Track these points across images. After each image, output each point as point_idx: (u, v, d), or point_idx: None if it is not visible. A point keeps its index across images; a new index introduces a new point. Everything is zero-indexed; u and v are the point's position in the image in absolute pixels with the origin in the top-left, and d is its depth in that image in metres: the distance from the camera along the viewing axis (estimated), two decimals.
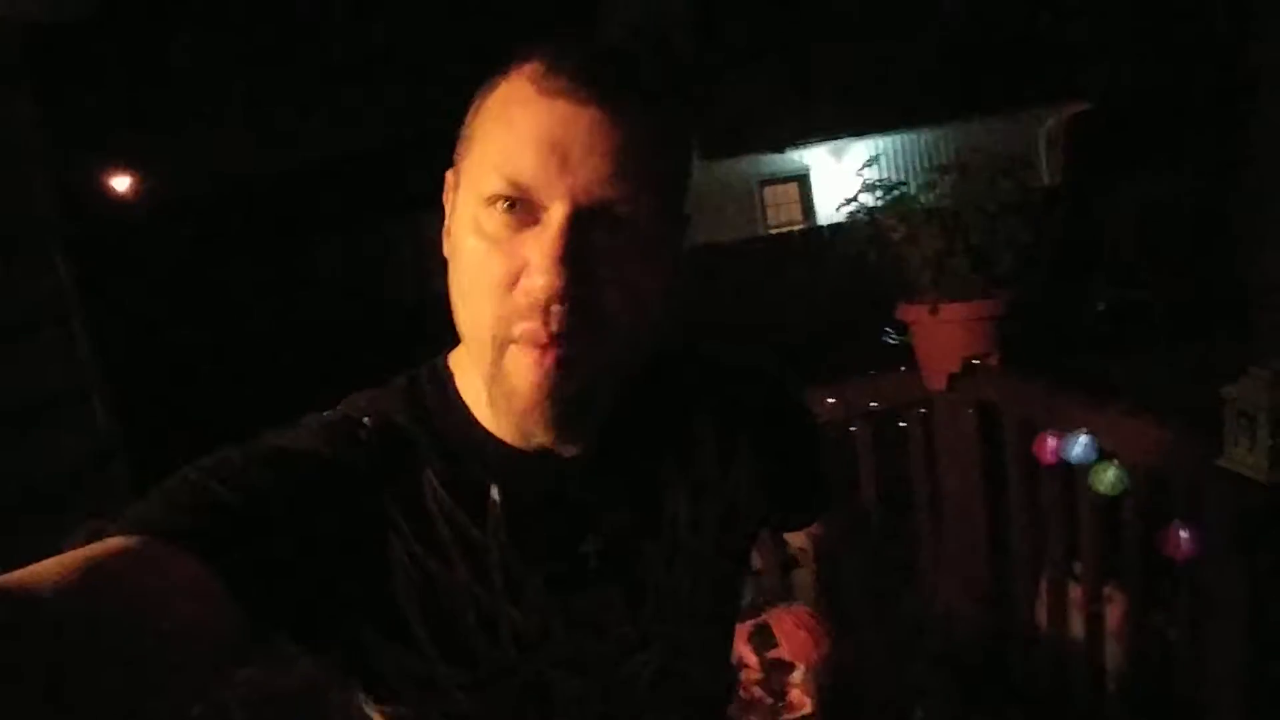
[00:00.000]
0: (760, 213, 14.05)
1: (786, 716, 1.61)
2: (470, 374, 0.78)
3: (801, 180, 14.10)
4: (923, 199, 2.38)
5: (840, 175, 13.45)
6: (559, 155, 0.66)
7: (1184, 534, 1.75)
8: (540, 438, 0.73)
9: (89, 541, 0.61)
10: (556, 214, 0.66)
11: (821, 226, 12.63)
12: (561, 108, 0.67)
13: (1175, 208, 8.53)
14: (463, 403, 0.79)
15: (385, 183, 11.42)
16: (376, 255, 11.66)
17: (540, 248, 0.66)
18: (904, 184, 2.42)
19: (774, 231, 13.64)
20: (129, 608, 0.56)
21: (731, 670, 0.96)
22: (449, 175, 0.77)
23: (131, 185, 10.83)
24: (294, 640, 0.71)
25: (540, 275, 0.66)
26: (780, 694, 1.61)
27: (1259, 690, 1.64)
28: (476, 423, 0.78)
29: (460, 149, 0.74)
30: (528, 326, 0.67)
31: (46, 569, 0.55)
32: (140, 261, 9.89)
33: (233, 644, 0.62)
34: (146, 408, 5.57)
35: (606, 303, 0.68)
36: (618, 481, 0.82)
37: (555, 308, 0.66)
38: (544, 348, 0.68)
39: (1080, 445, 2.00)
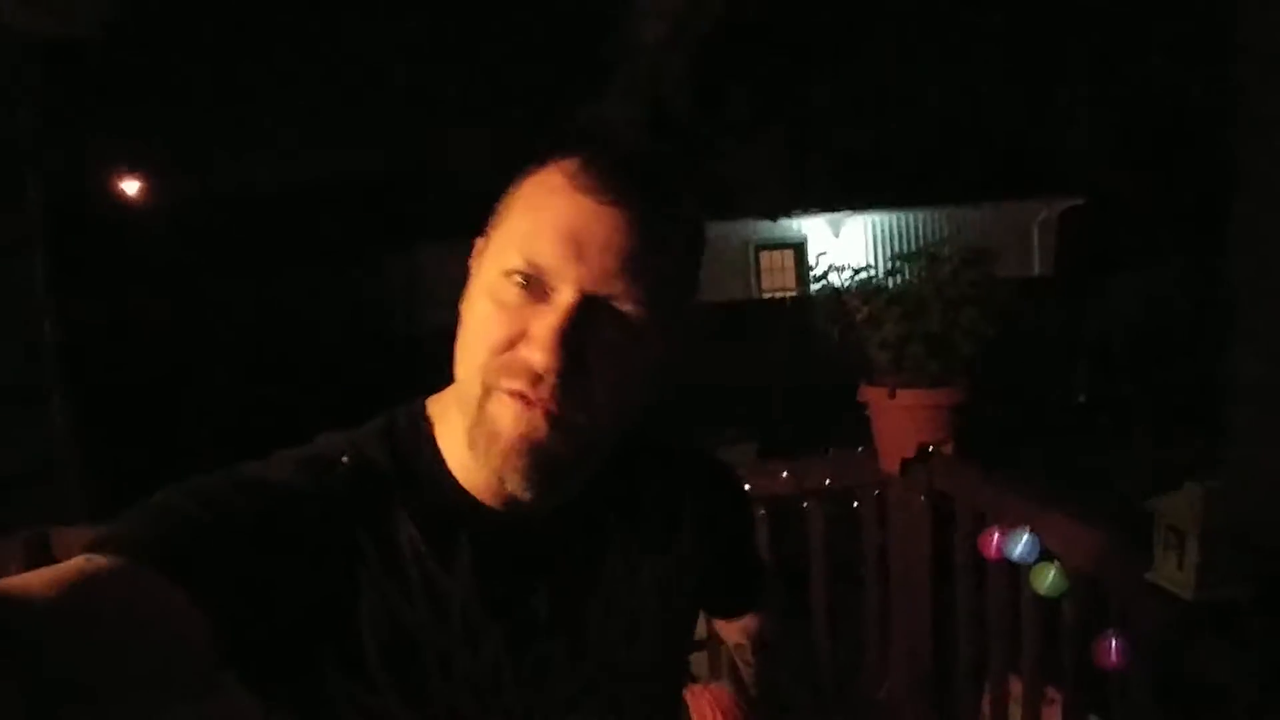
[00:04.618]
0: (754, 276, 14.18)
1: None
2: (451, 422, 0.82)
3: (797, 248, 14.25)
4: (888, 283, 2.41)
5: (836, 247, 13.63)
6: (575, 246, 0.73)
7: (1115, 644, 1.74)
8: (512, 486, 0.76)
9: (26, 548, 0.61)
10: (564, 297, 0.73)
11: (813, 296, 12.73)
12: (586, 203, 0.74)
13: (1160, 304, 8.63)
14: (439, 450, 0.83)
15: (383, 213, 11.45)
16: (366, 285, 11.63)
17: (543, 324, 0.72)
18: (870, 266, 2.44)
19: (766, 296, 13.74)
20: (107, 626, 0.58)
21: None
22: (478, 242, 0.82)
23: (120, 194, 10.83)
24: (253, 669, 0.73)
25: (539, 350, 0.72)
26: None
27: None
28: (450, 471, 0.82)
29: (493, 220, 0.80)
30: (515, 385, 0.73)
31: (30, 582, 0.57)
32: (118, 272, 9.83)
33: (203, 666, 0.65)
34: (106, 417, 5.51)
35: (593, 385, 0.74)
36: (569, 538, 0.87)
37: (547, 379, 0.73)
38: (529, 402, 0.73)
39: (1022, 544, 1.99)
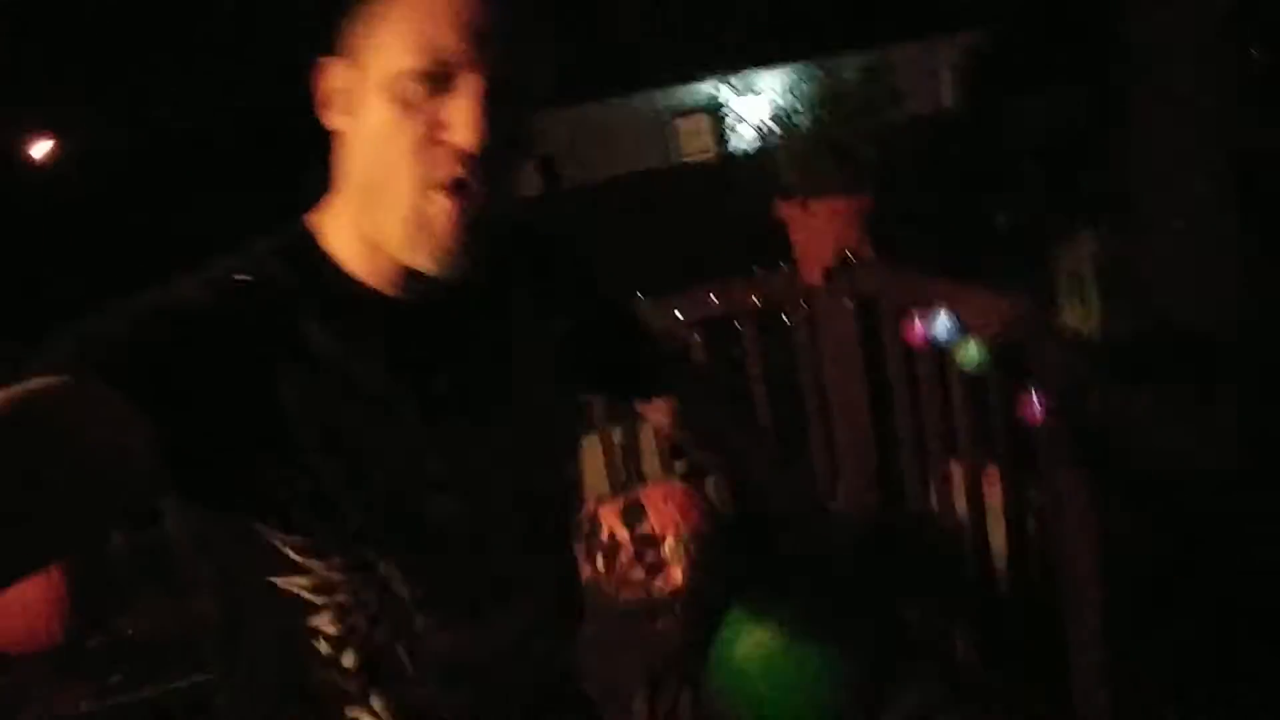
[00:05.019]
0: (672, 143, 13.98)
1: (658, 589, 1.67)
2: (341, 227, 0.87)
3: (712, 110, 14.04)
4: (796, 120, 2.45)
5: (750, 104, 13.44)
6: (472, 30, 0.77)
7: (1035, 398, 1.84)
8: (425, 265, 0.81)
9: None
10: (474, 84, 0.77)
11: (733, 154, 12.62)
12: None
13: (1069, 127, 8.73)
14: (331, 256, 0.87)
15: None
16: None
17: (462, 112, 0.76)
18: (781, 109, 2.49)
19: (686, 160, 13.59)
20: (58, 438, 0.59)
21: (572, 491, 1.04)
22: (327, 61, 0.83)
23: (44, 141, 10.15)
24: (203, 474, 0.77)
25: (465, 133, 0.76)
26: (652, 568, 1.66)
27: (1109, 549, 1.73)
28: (347, 273, 0.87)
29: (350, 33, 0.82)
30: (448, 173, 0.77)
31: None
32: (40, 218, 9.34)
33: (149, 475, 0.68)
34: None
35: (504, 155, 0.80)
36: (467, 321, 0.93)
37: (474, 160, 0.77)
38: (459, 195, 0.78)
39: (942, 324, 2.08)
